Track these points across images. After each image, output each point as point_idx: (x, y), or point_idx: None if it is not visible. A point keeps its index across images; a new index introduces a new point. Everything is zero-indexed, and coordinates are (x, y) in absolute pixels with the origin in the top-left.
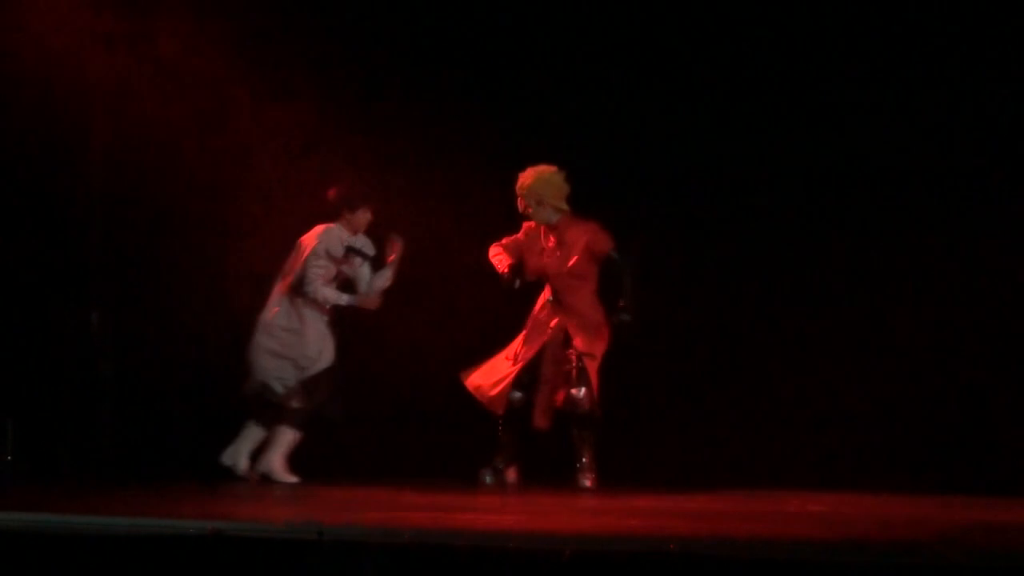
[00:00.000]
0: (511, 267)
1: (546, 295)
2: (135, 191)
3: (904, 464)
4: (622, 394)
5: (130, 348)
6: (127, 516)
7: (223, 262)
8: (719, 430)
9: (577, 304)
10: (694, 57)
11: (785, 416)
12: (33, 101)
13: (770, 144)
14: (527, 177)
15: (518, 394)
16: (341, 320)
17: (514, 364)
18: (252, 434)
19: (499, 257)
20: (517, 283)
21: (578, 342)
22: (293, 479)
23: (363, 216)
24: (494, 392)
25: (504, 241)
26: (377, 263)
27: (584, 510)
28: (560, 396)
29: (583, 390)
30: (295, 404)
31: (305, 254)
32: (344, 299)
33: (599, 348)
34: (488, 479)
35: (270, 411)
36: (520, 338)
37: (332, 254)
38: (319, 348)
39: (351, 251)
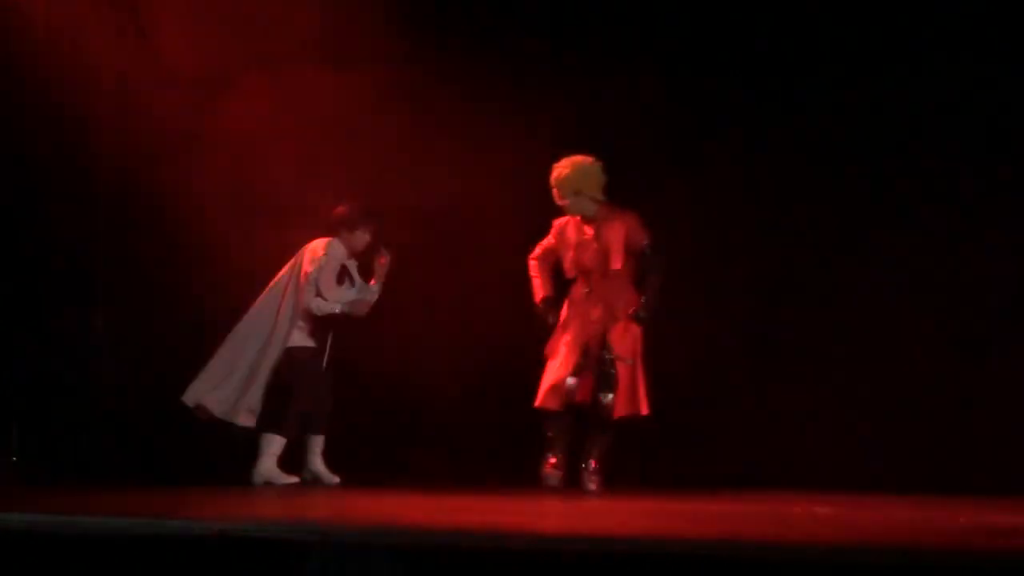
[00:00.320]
0: (544, 300)
1: (581, 289)
2: (140, 192)
3: (912, 465)
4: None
5: (134, 349)
6: (132, 517)
7: (228, 263)
8: (725, 431)
9: (615, 300)
10: (726, 43)
11: (792, 418)
12: (35, 99)
13: (806, 145)
14: (563, 168)
15: (571, 380)
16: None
17: (562, 363)
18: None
19: (536, 280)
20: (551, 319)
21: (614, 342)
22: (293, 479)
23: (361, 238)
24: (547, 391)
25: (539, 252)
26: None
27: (588, 511)
28: (587, 392)
29: (610, 396)
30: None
31: (305, 268)
32: (337, 308)
33: (636, 349)
34: (552, 481)
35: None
36: (560, 336)
37: (332, 270)
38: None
39: (344, 271)
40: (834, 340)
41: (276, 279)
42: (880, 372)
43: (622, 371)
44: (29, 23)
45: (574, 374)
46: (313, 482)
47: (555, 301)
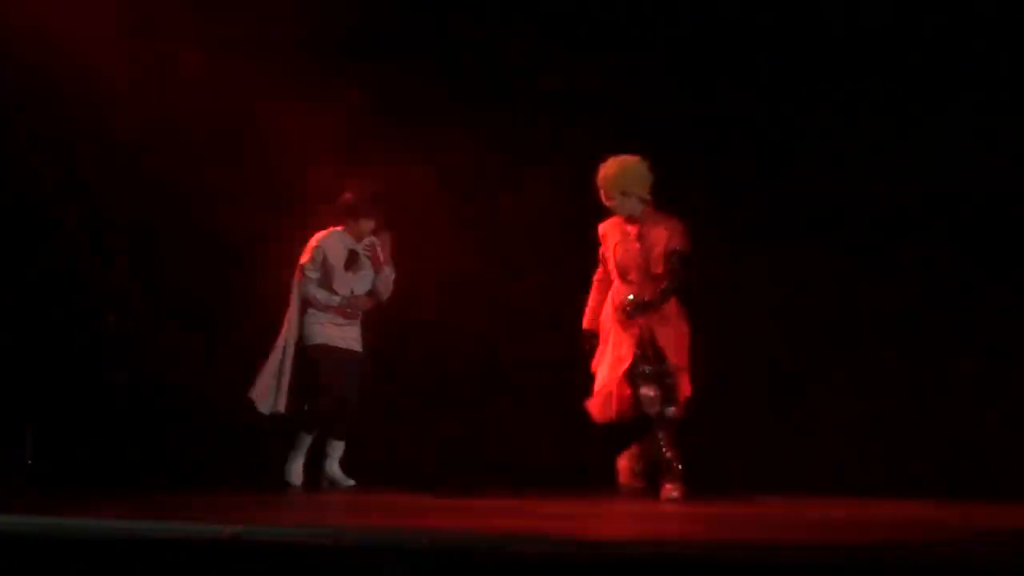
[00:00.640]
0: (585, 332)
1: (623, 292)
2: (153, 195)
3: (928, 468)
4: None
5: (148, 352)
6: (144, 519)
7: (241, 267)
8: (738, 434)
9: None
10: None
11: (806, 421)
12: (44, 105)
13: (818, 154)
14: (610, 167)
15: (651, 393)
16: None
17: (614, 369)
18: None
19: (588, 307)
20: (588, 348)
21: (668, 350)
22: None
23: (365, 224)
24: (605, 402)
25: (598, 271)
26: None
27: (603, 515)
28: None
29: (671, 409)
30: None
31: (301, 260)
32: (335, 300)
33: (683, 352)
34: (637, 487)
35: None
36: (605, 344)
37: (331, 260)
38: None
39: (355, 255)
40: (854, 343)
41: None
42: (891, 374)
43: (680, 378)
44: (37, 22)
45: (642, 385)
46: (329, 486)
47: (593, 337)
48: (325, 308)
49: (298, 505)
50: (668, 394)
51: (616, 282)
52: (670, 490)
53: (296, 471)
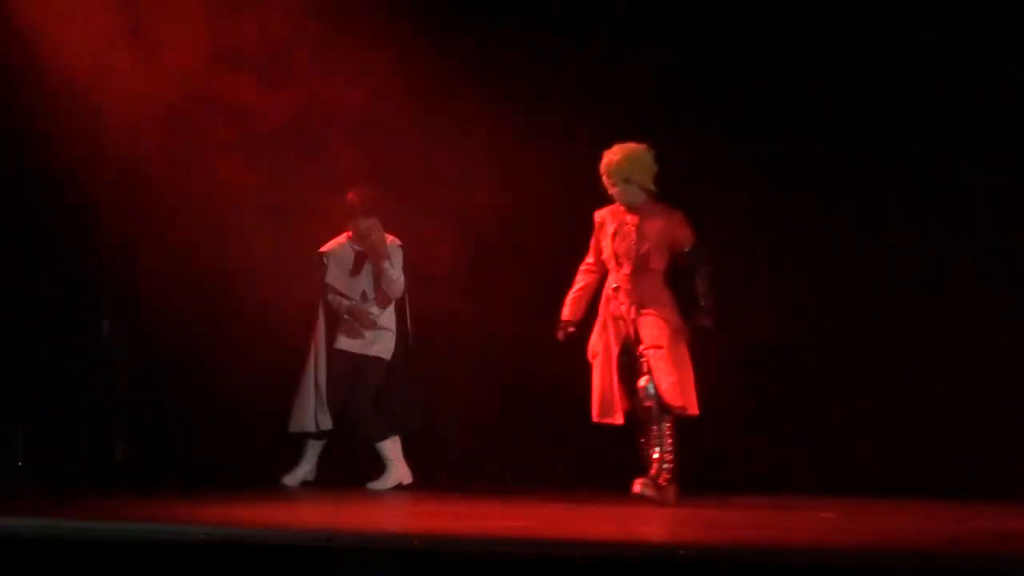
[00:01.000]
0: (563, 322)
1: (612, 283)
2: (147, 195)
3: (920, 470)
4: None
5: (141, 353)
6: (137, 522)
7: (238, 267)
8: (729, 435)
9: (646, 291)
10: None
11: (798, 422)
12: (39, 104)
13: (833, 148)
14: (614, 154)
15: (641, 383)
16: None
17: (606, 367)
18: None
19: (568, 296)
20: (560, 336)
21: (645, 335)
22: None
23: (363, 225)
24: (603, 403)
25: (586, 260)
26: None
27: (596, 516)
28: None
29: (648, 381)
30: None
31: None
32: (344, 306)
33: (667, 338)
34: (646, 492)
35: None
36: (600, 337)
37: (337, 271)
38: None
39: (362, 257)
40: (848, 342)
41: None
42: (892, 375)
43: (660, 359)
44: (36, 30)
45: (622, 380)
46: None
47: (576, 324)
48: (341, 314)
49: (291, 507)
50: (658, 383)
51: (611, 272)
52: (642, 486)
53: (298, 476)
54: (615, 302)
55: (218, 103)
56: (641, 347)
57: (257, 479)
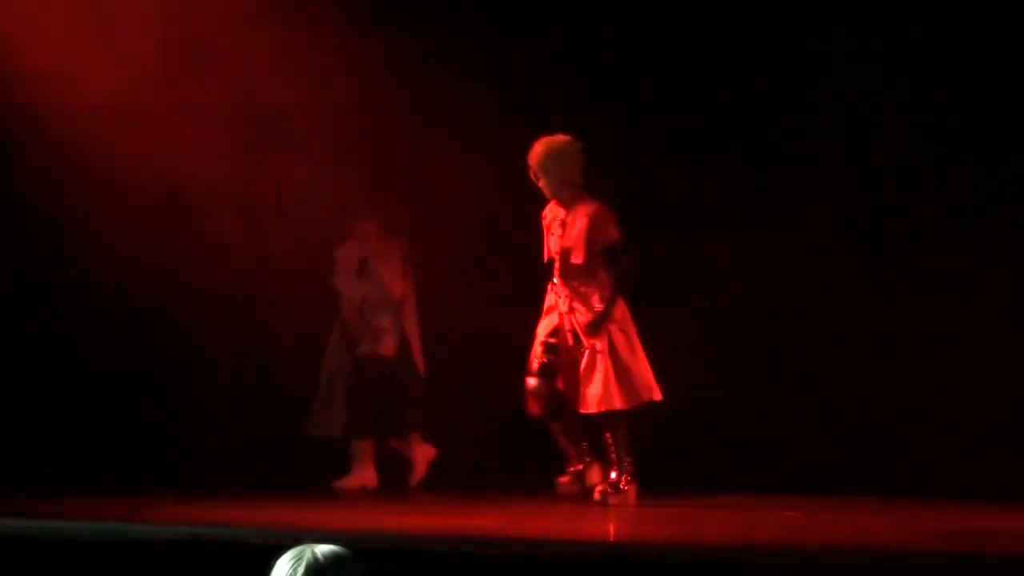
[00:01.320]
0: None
1: (551, 277)
2: (126, 192)
3: (888, 469)
4: None
5: (112, 353)
6: (105, 522)
7: (216, 267)
8: (697, 432)
9: (577, 288)
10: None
11: (764, 419)
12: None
13: (814, 150)
14: (538, 145)
15: (532, 381)
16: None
17: (528, 364)
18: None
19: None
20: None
21: (582, 333)
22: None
23: (363, 229)
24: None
25: (545, 260)
26: None
27: (564, 514)
28: (573, 391)
29: (592, 387)
30: None
31: None
32: (344, 309)
33: (610, 337)
34: (607, 500)
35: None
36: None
37: (345, 272)
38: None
39: (364, 264)
40: (817, 337)
41: None
42: (854, 370)
43: (590, 361)
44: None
45: (539, 374)
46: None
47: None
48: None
49: (262, 506)
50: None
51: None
52: (601, 493)
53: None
54: (552, 295)
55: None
56: (581, 345)
57: (221, 479)
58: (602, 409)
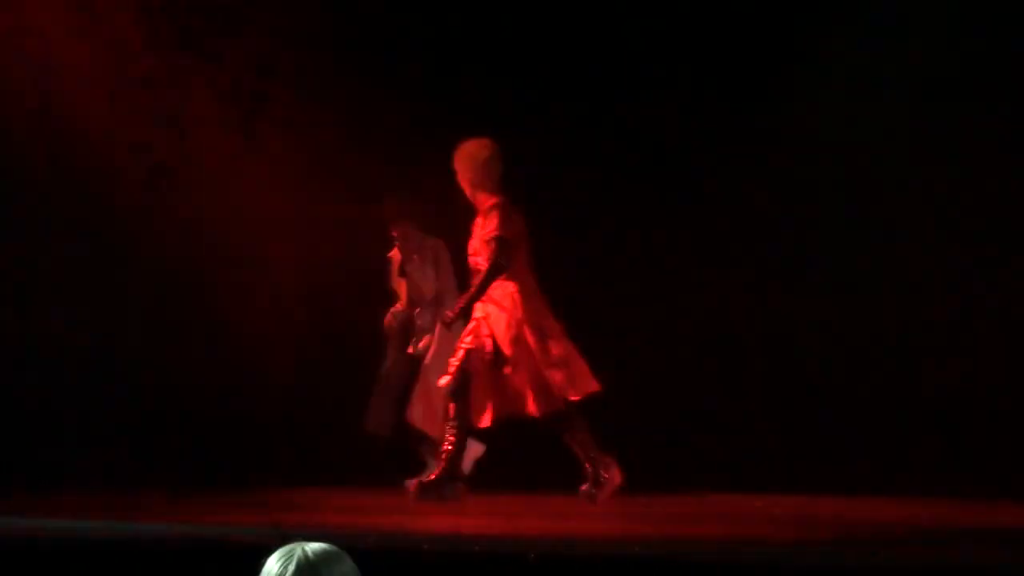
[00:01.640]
0: None
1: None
2: (127, 192)
3: (871, 466)
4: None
5: (98, 353)
6: (97, 520)
7: (207, 265)
8: (682, 430)
9: (491, 293)
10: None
11: (752, 417)
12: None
13: (790, 145)
14: (457, 149)
15: (444, 379)
16: None
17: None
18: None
19: None
20: None
21: (497, 337)
22: None
23: (400, 231)
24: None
25: None
26: None
27: (550, 513)
28: (509, 397)
29: (528, 393)
30: None
31: None
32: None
33: (509, 340)
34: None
35: None
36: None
37: (394, 274)
38: None
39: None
40: (802, 337)
41: None
42: (841, 373)
43: (518, 373)
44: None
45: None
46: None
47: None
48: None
49: (249, 505)
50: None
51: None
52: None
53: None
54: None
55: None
56: (503, 358)
57: (209, 477)
58: (544, 412)
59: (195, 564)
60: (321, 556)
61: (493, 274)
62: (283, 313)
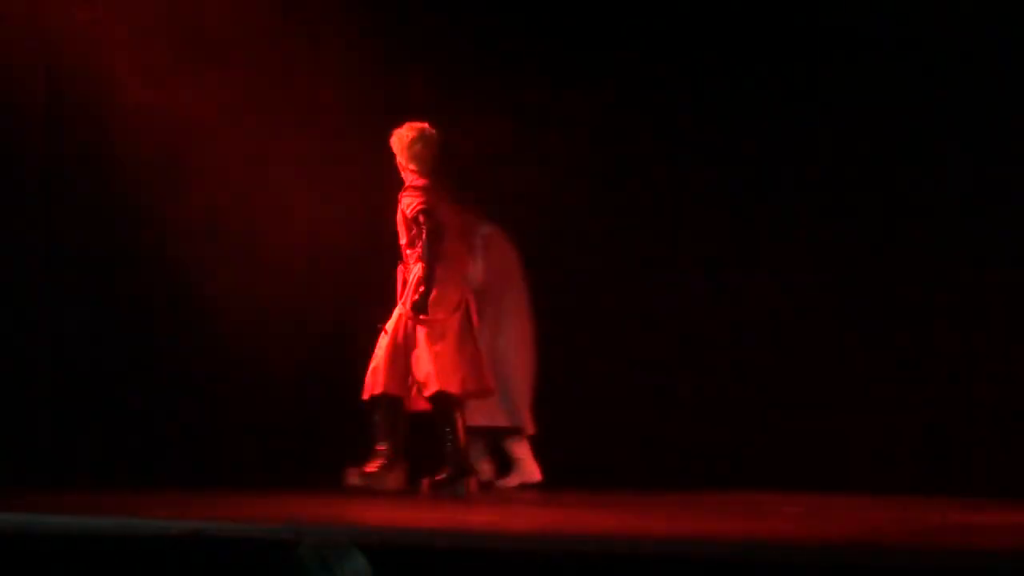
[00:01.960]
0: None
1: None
2: (116, 184)
3: (883, 465)
4: (593, 391)
5: (109, 347)
6: (105, 516)
7: (211, 258)
8: (696, 427)
9: (407, 275)
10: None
11: (762, 414)
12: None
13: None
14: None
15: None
16: None
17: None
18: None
19: None
20: None
21: (394, 320)
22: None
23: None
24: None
25: None
26: None
27: (557, 506)
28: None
29: (423, 373)
30: None
31: None
32: None
33: (435, 321)
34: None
35: None
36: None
37: None
38: None
39: None
40: (811, 335)
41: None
42: (852, 369)
43: (428, 346)
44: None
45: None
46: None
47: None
48: None
49: (259, 501)
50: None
51: None
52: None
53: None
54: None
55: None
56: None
57: (221, 474)
58: (439, 388)
59: (202, 559)
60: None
61: (430, 254)
62: (288, 306)
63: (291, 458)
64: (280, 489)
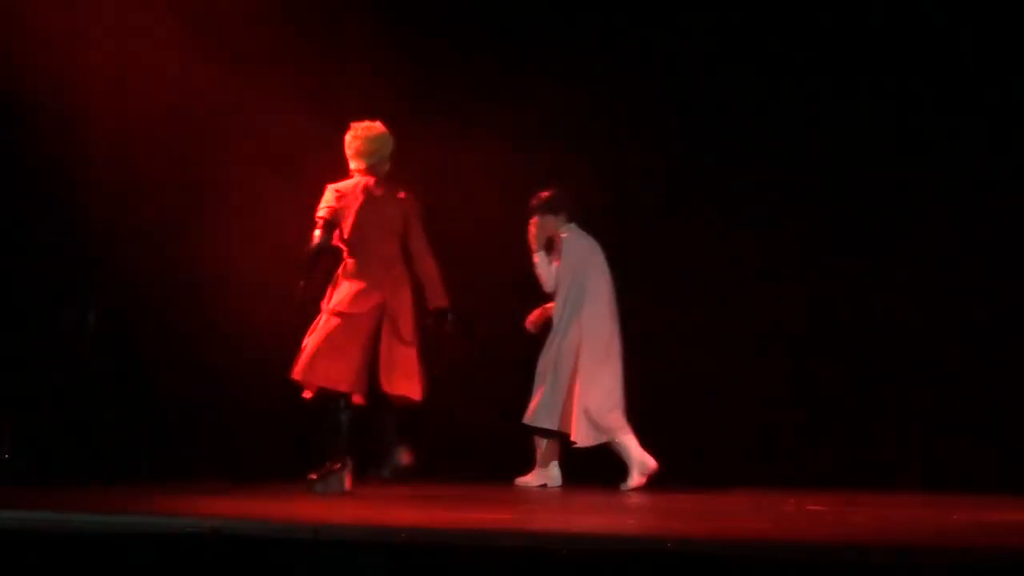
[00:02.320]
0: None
1: None
2: (137, 185)
3: (906, 464)
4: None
5: (129, 345)
6: (126, 514)
7: (226, 260)
8: (716, 427)
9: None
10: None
11: (783, 414)
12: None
13: (784, 143)
14: None
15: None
16: None
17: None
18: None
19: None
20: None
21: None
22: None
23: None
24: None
25: None
26: None
27: (579, 508)
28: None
29: (393, 374)
30: None
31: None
32: None
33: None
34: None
35: None
36: None
37: None
38: None
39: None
40: (825, 334)
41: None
42: (871, 370)
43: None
44: (30, 23)
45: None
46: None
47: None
48: None
49: (278, 500)
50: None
51: None
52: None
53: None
54: None
55: (216, 109)
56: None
57: (240, 472)
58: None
59: (218, 557)
60: None
61: (308, 251)
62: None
63: (309, 457)
64: (298, 487)
